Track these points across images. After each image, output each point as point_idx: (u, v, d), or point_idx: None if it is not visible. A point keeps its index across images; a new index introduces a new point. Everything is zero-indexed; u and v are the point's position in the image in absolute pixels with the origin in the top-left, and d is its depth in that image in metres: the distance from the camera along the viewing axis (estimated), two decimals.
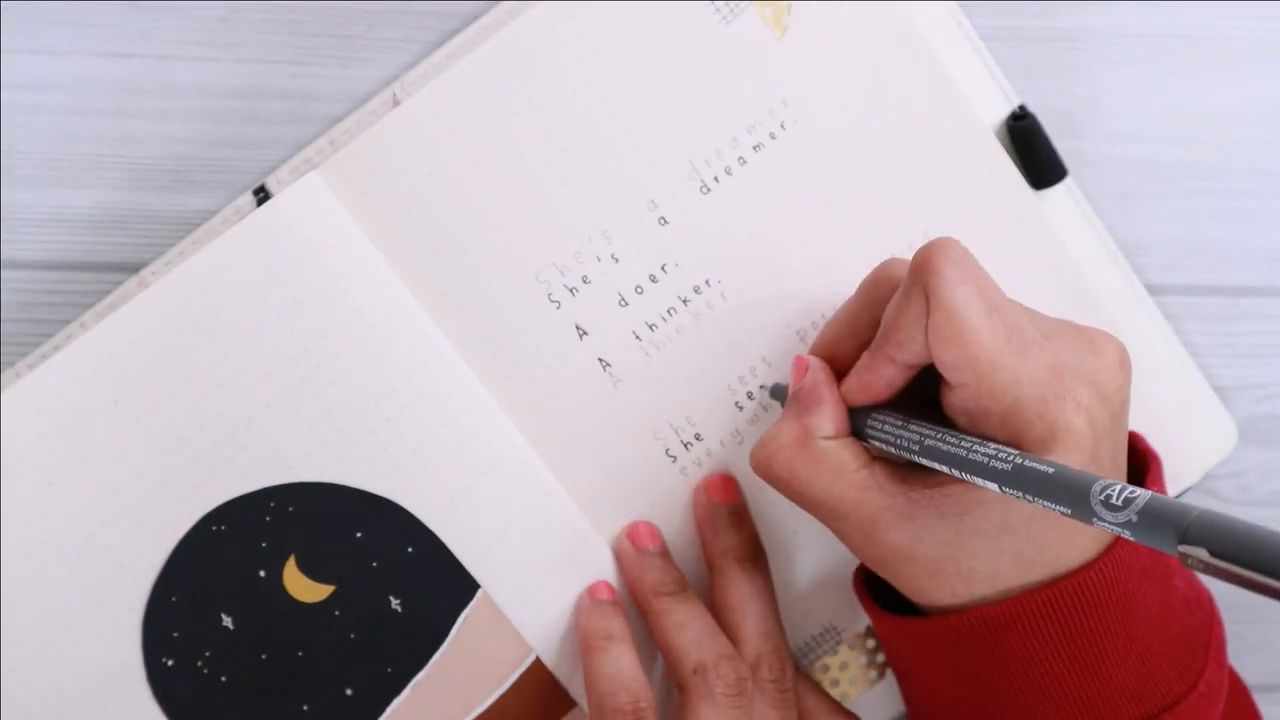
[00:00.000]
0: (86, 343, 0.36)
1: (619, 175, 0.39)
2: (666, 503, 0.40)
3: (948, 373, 0.32)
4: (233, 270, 0.36)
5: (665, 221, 0.39)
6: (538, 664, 0.38)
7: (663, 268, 0.39)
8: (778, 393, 0.39)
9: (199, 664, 0.37)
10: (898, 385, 0.35)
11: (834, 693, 0.41)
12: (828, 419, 0.35)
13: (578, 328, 0.39)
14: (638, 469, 0.40)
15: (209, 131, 0.39)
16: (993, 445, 0.31)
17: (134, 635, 0.36)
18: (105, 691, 0.36)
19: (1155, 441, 0.41)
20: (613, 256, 0.39)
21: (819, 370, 0.36)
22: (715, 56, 0.39)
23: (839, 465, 0.34)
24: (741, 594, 0.38)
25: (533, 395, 0.39)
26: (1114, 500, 0.27)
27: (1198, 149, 0.44)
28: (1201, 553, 0.25)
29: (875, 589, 0.38)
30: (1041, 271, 0.41)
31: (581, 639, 0.38)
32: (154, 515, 0.36)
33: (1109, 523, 0.27)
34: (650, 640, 0.38)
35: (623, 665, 0.36)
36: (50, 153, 0.39)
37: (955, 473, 0.31)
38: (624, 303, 0.39)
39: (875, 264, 0.40)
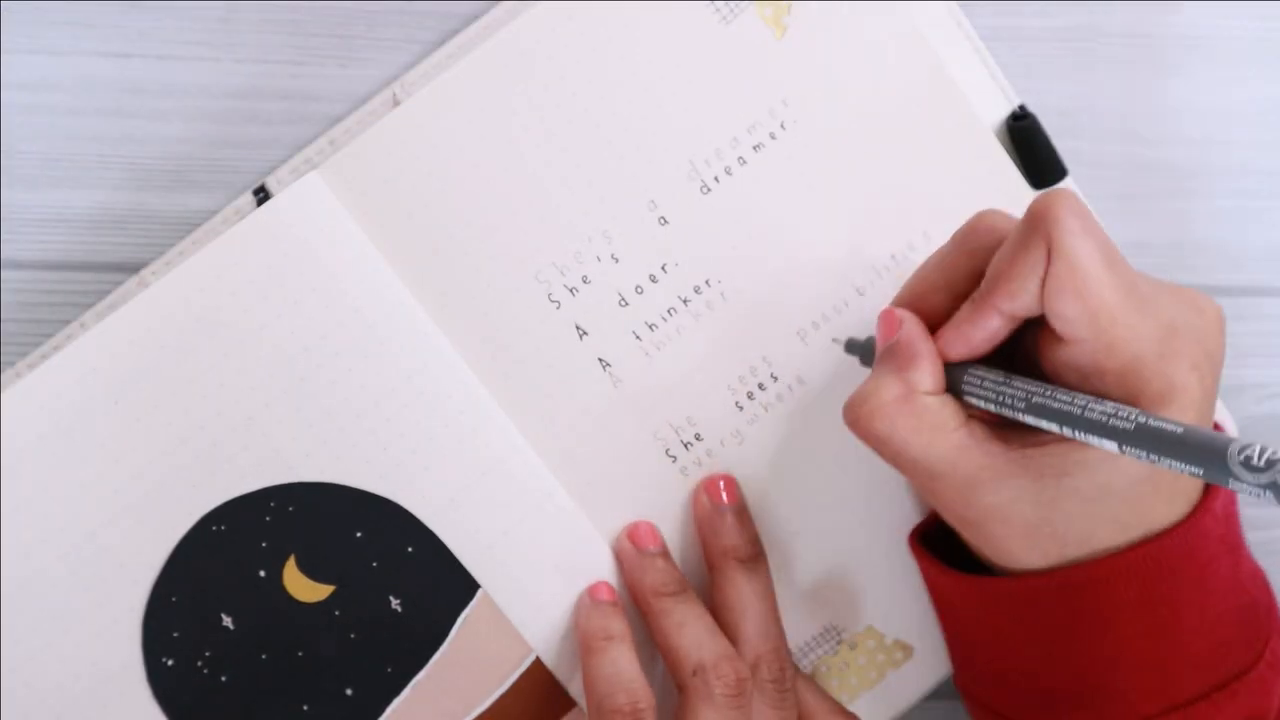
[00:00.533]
0: (86, 343, 0.36)
1: (619, 175, 0.39)
2: (666, 503, 0.40)
3: (1064, 326, 0.31)
4: (233, 270, 0.36)
5: (665, 221, 0.39)
6: (538, 664, 0.38)
7: (663, 268, 0.39)
8: (854, 347, 0.38)
9: (199, 664, 0.37)
10: (999, 339, 0.33)
11: (834, 693, 0.41)
12: (928, 374, 0.34)
13: (578, 328, 0.39)
14: (638, 469, 0.40)
15: (209, 131, 0.39)
16: (1110, 403, 0.30)
17: (134, 635, 0.36)
18: (105, 691, 0.36)
19: None
20: (613, 256, 0.39)
21: (915, 324, 0.34)
22: (715, 56, 0.39)
23: (939, 422, 0.33)
24: (741, 594, 0.38)
25: (533, 395, 0.39)
26: (1255, 461, 0.26)
27: (1198, 149, 0.44)
28: None
29: (932, 549, 0.38)
30: None
31: (581, 639, 0.38)
32: (154, 515, 0.36)
33: (1249, 484, 0.26)
34: (650, 641, 0.38)
35: (622, 666, 0.36)
36: (50, 153, 0.39)
37: (1067, 431, 0.30)
38: (624, 303, 0.39)
39: (875, 264, 0.40)
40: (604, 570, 0.39)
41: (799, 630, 0.41)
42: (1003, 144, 0.41)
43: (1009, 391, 0.32)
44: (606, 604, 0.38)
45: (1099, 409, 0.30)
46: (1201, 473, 0.27)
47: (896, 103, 0.40)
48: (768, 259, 0.40)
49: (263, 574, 0.37)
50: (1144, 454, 0.28)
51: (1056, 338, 0.32)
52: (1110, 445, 0.29)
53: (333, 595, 0.37)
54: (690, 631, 0.37)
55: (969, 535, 0.35)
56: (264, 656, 0.37)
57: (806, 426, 0.40)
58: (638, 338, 0.39)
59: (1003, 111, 0.41)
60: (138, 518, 0.36)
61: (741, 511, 0.40)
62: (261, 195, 0.39)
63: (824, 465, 0.40)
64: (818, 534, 0.41)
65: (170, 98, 0.39)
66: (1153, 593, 0.32)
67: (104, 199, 0.39)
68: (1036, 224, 0.31)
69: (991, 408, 0.33)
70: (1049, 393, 0.31)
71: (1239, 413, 0.44)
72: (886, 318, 0.35)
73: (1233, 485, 0.26)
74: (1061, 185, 0.41)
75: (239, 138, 0.39)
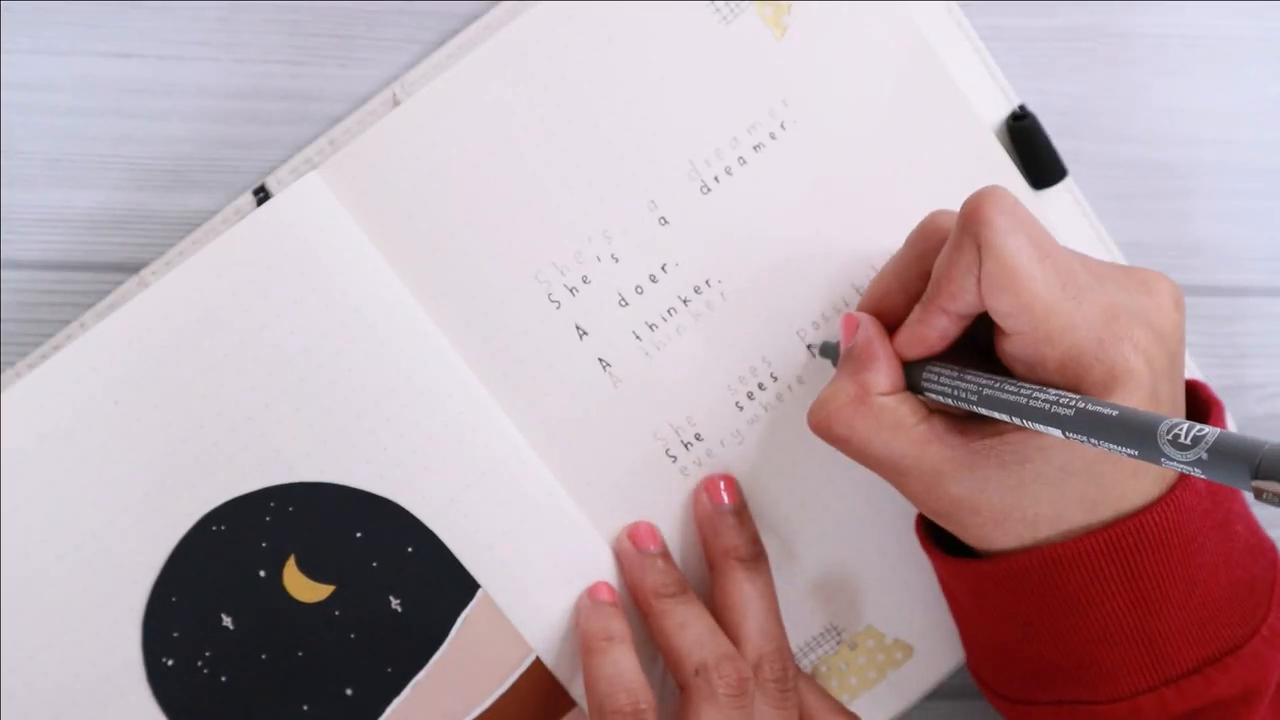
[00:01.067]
0: (86, 343, 0.36)
1: (619, 175, 0.39)
2: (666, 503, 0.40)
3: (1003, 321, 0.32)
4: (233, 270, 0.36)
5: (665, 221, 0.39)
6: (538, 664, 0.38)
7: (663, 268, 0.39)
8: (828, 351, 0.39)
9: (199, 664, 0.37)
10: (951, 336, 0.34)
11: (834, 693, 0.41)
12: (883, 375, 0.35)
13: (578, 328, 0.39)
14: (638, 469, 0.40)
15: (209, 131, 0.39)
16: (1052, 391, 0.30)
17: (134, 635, 0.36)
18: (105, 691, 0.36)
19: None
20: (613, 256, 0.39)
21: (870, 326, 0.36)
22: (715, 56, 0.39)
23: (898, 421, 0.34)
24: (742, 594, 0.38)
25: (533, 395, 0.39)
26: (1182, 439, 0.26)
27: (1198, 149, 0.44)
28: (1276, 486, 0.24)
29: (936, 534, 0.38)
30: None
31: (581, 640, 0.38)
32: (154, 515, 0.36)
33: (1178, 462, 0.26)
34: (650, 641, 0.38)
35: (623, 666, 0.36)
36: (50, 153, 0.39)
37: (1016, 420, 0.31)
38: (624, 303, 0.39)
39: (875, 264, 0.40)
40: (604, 570, 0.39)
41: (799, 630, 0.41)
42: (1003, 144, 0.41)
43: (963, 385, 0.33)
44: (606, 604, 0.38)
45: (1042, 397, 0.30)
46: (1137, 453, 0.27)
47: (896, 103, 0.40)
48: (768, 259, 0.40)
49: (263, 574, 0.37)
50: (1085, 438, 0.29)
51: (1002, 330, 0.32)
52: (1055, 432, 0.30)
53: (333, 595, 0.37)
54: (691, 632, 0.37)
55: (944, 524, 0.35)
56: (264, 656, 0.37)
57: (806, 427, 0.40)
58: (638, 338, 0.39)
59: (1003, 111, 0.41)
60: (138, 518, 0.36)
61: (742, 511, 0.40)
62: (261, 195, 0.39)
63: (824, 465, 0.40)
64: (818, 534, 0.41)
65: (170, 98, 0.39)
66: (1136, 569, 0.33)
67: (104, 199, 0.39)
68: (966, 225, 0.32)
69: (949, 402, 0.34)
70: (997, 384, 0.32)
71: (1239, 413, 0.44)
72: (846, 321, 0.36)
73: (1164, 463, 0.27)
74: (1058, 187, 0.41)
75: (239, 138, 0.39)
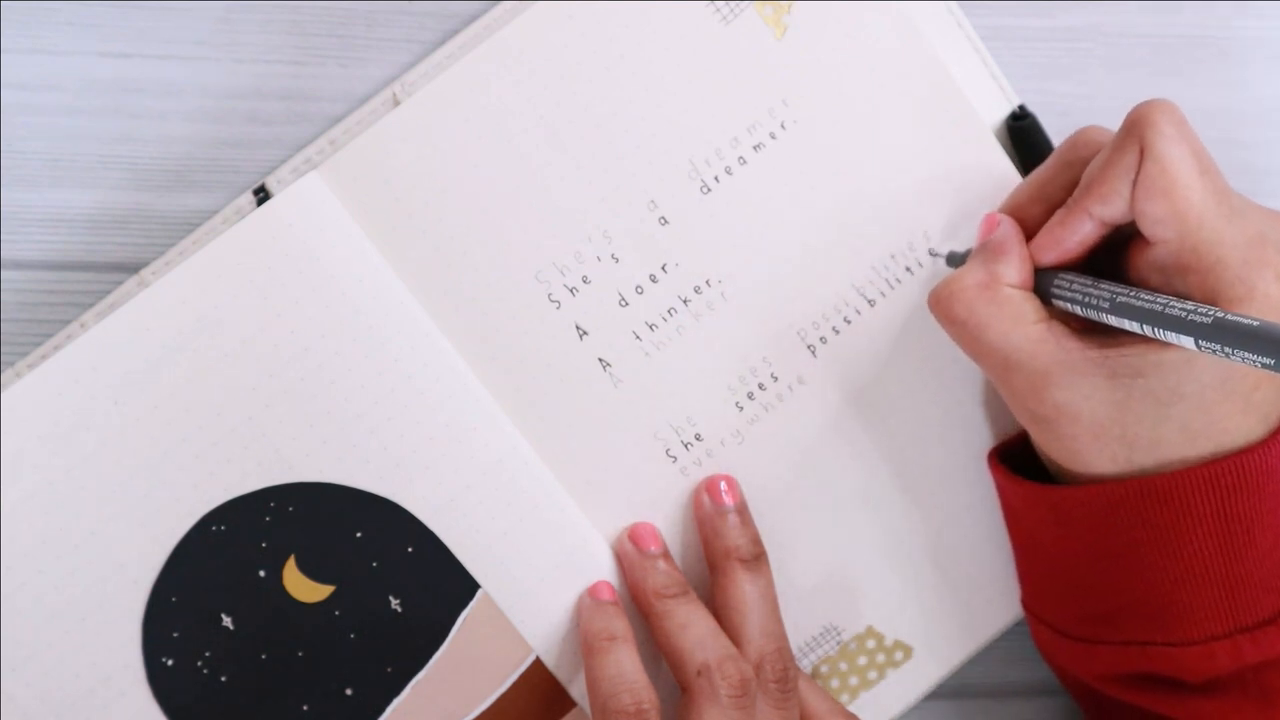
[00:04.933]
0: (86, 343, 0.36)
1: (619, 175, 0.39)
2: (666, 503, 0.40)
3: (1152, 227, 0.32)
4: (233, 270, 0.36)
5: (665, 221, 0.39)
6: (538, 664, 0.38)
7: (663, 268, 0.39)
8: (954, 259, 0.39)
9: (199, 664, 0.37)
10: (1089, 245, 0.34)
11: (834, 693, 0.41)
12: (1014, 267, 0.35)
13: (578, 328, 0.39)
14: (638, 469, 0.40)
15: (209, 131, 0.39)
16: (1190, 302, 0.30)
17: (134, 635, 0.36)
18: (105, 691, 0.36)
19: None
20: (613, 256, 0.39)
21: (1010, 224, 0.36)
22: (715, 56, 0.39)
23: (1019, 313, 0.34)
24: (743, 594, 0.38)
25: (533, 395, 0.39)
26: None
27: None
28: None
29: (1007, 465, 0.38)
30: None
31: (584, 640, 0.38)
32: (154, 515, 0.36)
33: None
34: (651, 642, 0.38)
35: (625, 666, 0.36)
36: (50, 153, 0.39)
37: (1148, 329, 0.31)
38: (624, 303, 0.39)
39: (875, 263, 0.40)
40: (604, 570, 0.39)
41: (799, 630, 0.41)
42: (1003, 144, 0.41)
43: (1095, 292, 0.33)
44: (608, 604, 0.38)
45: (1179, 305, 0.30)
46: (1273, 363, 0.27)
47: (896, 103, 0.40)
48: (768, 259, 0.40)
49: (263, 574, 0.37)
50: (1219, 348, 0.29)
51: (1145, 242, 0.33)
52: (1188, 341, 0.30)
53: (333, 595, 0.37)
54: (693, 632, 0.37)
55: (1037, 432, 0.35)
56: (264, 656, 0.37)
57: (806, 427, 0.40)
58: (638, 338, 0.39)
59: (1003, 111, 0.41)
60: (138, 518, 0.36)
61: (743, 512, 0.40)
62: (261, 195, 0.39)
63: (824, 466, 0.40)
64: (818, 534, 0.41)
65: (170, 98, 0.39)
66: (1230, 508, 0.32)
67: (104, 199, 0.39)
68: (1132, 128, 0.32)
69: (1078, 310, 0.33)
70: (1133, 293, 0.32)
71: None
72: (987, 219, 0.37)
73: None
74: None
75: (239, 138, 0.39)
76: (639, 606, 0.39)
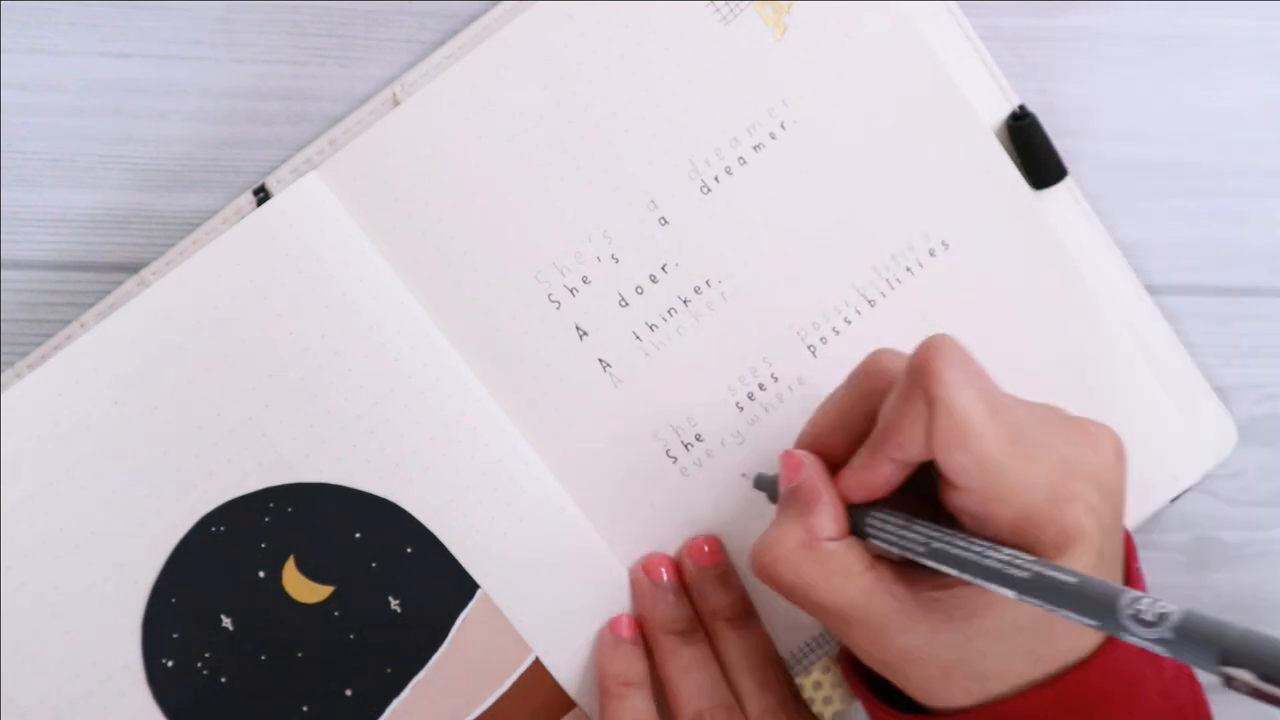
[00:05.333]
0: (86, 343, 0.36)
1: (619, 175, 0.39)
2: (666, 503, 0.40)
3: (954, 476, 0.31)
4: (233, 270, 0.36)
5: (665, 221, 0.39)
6: (538, 664, 0.38)
7: (663, 268, 0.39)
8: (763, 483, 0.38)
9: (199, 664, 0.37)
10: (896, 482, 0.33)
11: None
12: (829, 519, 0.34)
13: (578, 328, 0.39)
14: (638, 469, 0.40)
15: (209, 131, 0.39)
16: (1006, 550, 0.30)
17: (134, 635, 0.36)
18: (105, 692, 0.36)
19: (1155, 442, 0.41)
20: (613, 256, 0.39)
21: (814, 467, 0.35)
22: (715, 56, 0.39)
23: (845, 568, 0.33)
24: (736, 652, 0.38)
25: (533, 395, 0.39)
26: (1145, 616, 0.25)
27: (1198, 149, 0.44)
28: (1247, 675, 0.23)
29: (865, 678, 0.37)
30: (1041, 271, 0.41)
31: (600, 682, 0.38)
32: (154, 516, 0.36)
33: (1141, 638, 0.25)
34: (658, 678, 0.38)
35: (640, 714, 0.36)
36: (50, 153, 0.39)
37: (967, 577, 0.30)
38: (624, 303, 0.39)
39: (875, 264, 0.40)
40: (603, 571, 0.39)
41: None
42: (1003, 144, 0.41)
43: (910, 536, 0.32)
44: (627, 644, 0.38)
45: (995, 556, 0.29)
46: (1097, 625, 0.27)
47: (896, 102, 0.40)
48: (768, 259, 0.40)
49: (262, 574, 0.37)
50: (1041, 603, 0.28)
51: (951, 483, 0.32)
52: (1009, 593, 0.29)
53: (332, 596, 0.37)
54: (694, 678, 0.37)
55: (887, 675, 0.34)
56: (264, 657, 0.37)
57: None
58: (638, 338, 0.39)
59: (1003, 111, 0.41)
60: (138, 518, 0.36)
61: (726, 571, 0.39)
62: (261, 195, 0.39)
63: None
64: None
65: (170, 98, 0.39)
66: (1084, 716, 0.32)
67: (104, 199, 0.39)
68: (916, 378, 0.31)
69: (895, 551, 0.32)
70: (948, 538, 0.31)
71: (1239, 413, 0.44)
72: (787, 460, 0.35)
73: (1125, 638, 0.26)
74: (1058, 187, 0.41)
75: (239, 138, 0.39)
76: (646, 636, 0.39)
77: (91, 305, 0.39)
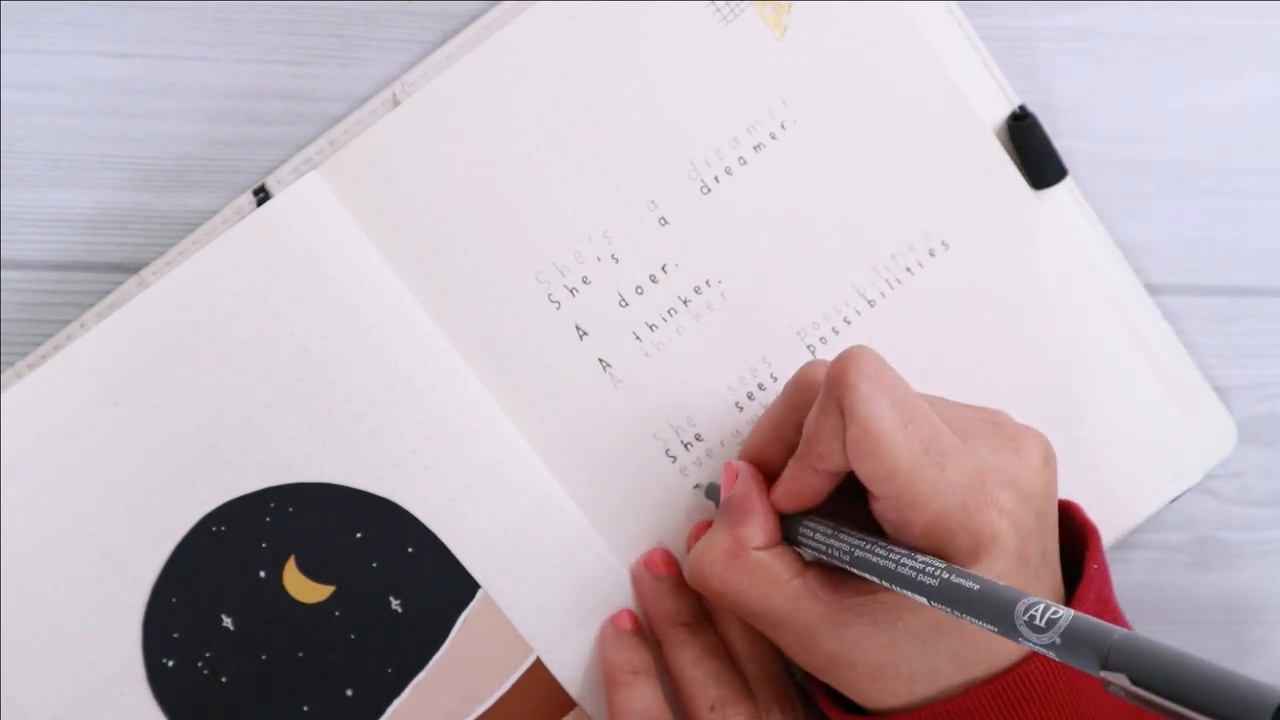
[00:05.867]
0: (86, 343, 0.36)
1: (619, 175, 0.39)
2: (666, 503, 0.40)
3: (869, 485, 0.32)
4: (233, 270, 0.36)
5: (665, 221, 0.39)
6: (538, 664, 0.38)
7: (663, 268, 0.39)
8: (712, 493, 0.39)
9: (199, 664, 0.37)
10: (824, 492, 0.34)
11: None
12: (759, 529, 0.35)
13: (578, 328, 0.39)
14: (638, 469, 0.40)
15: (209, 131, 0.39)
16: (920, 557, 0.30)
17: (134, 635, 0.36)
18: (105, 691, 0.36)
19: (1156, 442, 0.41)
20: (613, 256, 0.39)
21: (748, 478, 0.36)
22: (715, 56, 0.39)
23: (772, 576, 0.34)
24: (743, 639, 0.38)
25: (533, 395, 0.39)
26: (1037, 621, 0.26)
27: (1198, 149, 0.44)
28: (1122, 679, 0.24)
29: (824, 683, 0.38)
30: (1041, 271, 0.41)
31: (606, 671, 0.38)
32: (154, 515, 0.36)
33: (1034, 643, 0.26)
34: (665, 670, 0.38)
35: (649, 701, 0.36)
36: (50, 153, 0.39)
37: (886, 584, 0.31)
38: (624, 303, 0.39)
39: (875, 264, 0.40)
40: (603, 570, 0.39)
41: None
42: (1003, 144, 0.41)
43: (836, 544, 0.33)
44: (630, 635, 0.38)
45: (909, 564, 0.30)
46: (996, 630, 0.27)
47: (896, 102, 0.40)
48: (768, 259, 0.40)
49: (263, 574, 0.37)
50: (949, 609, 0.29)
51: (870, 491, 0.32)
52: (921, 599, 0.30)
53: (333, 596, 0.37)
54: (707, 667, 0.37)
55: (821, 678, 0.35)
56: (264, 657, 0.37)
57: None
58: (638, 338, 0.39)
59: (1003, 111, 0.41)
60: (138, 518, 0.36)
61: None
62: (261, 195, 0.39)
63: None
64: None
65: (170, 98, 0.39)
66: (1026, 717, 0.32)
67: (104, 199, 0.39)
68: (830, 389, 0.32)
69: (823, 558, 0.33)
70: (868, 546, 0.32)
71: (1239, 413, 0.44)
72: (726, 470, 0.37)
73: (1021, 643, 0.27)
74: (1058, 187, 0.41)
75: (239, 138, 0.39)
76: (653, 631, 0.39)
77: (91, 305, 0.39)
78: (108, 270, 0.39)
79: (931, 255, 0.41)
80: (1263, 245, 0.44)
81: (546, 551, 0.38)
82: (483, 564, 0.38)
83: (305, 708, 0.37)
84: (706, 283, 0.40)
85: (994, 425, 0.34)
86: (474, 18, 0.40)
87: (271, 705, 0.37)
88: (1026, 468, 0.33)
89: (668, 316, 0.39)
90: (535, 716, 0.39)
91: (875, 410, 0.31)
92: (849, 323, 0.40)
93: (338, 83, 0.40)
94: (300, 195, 0.37)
